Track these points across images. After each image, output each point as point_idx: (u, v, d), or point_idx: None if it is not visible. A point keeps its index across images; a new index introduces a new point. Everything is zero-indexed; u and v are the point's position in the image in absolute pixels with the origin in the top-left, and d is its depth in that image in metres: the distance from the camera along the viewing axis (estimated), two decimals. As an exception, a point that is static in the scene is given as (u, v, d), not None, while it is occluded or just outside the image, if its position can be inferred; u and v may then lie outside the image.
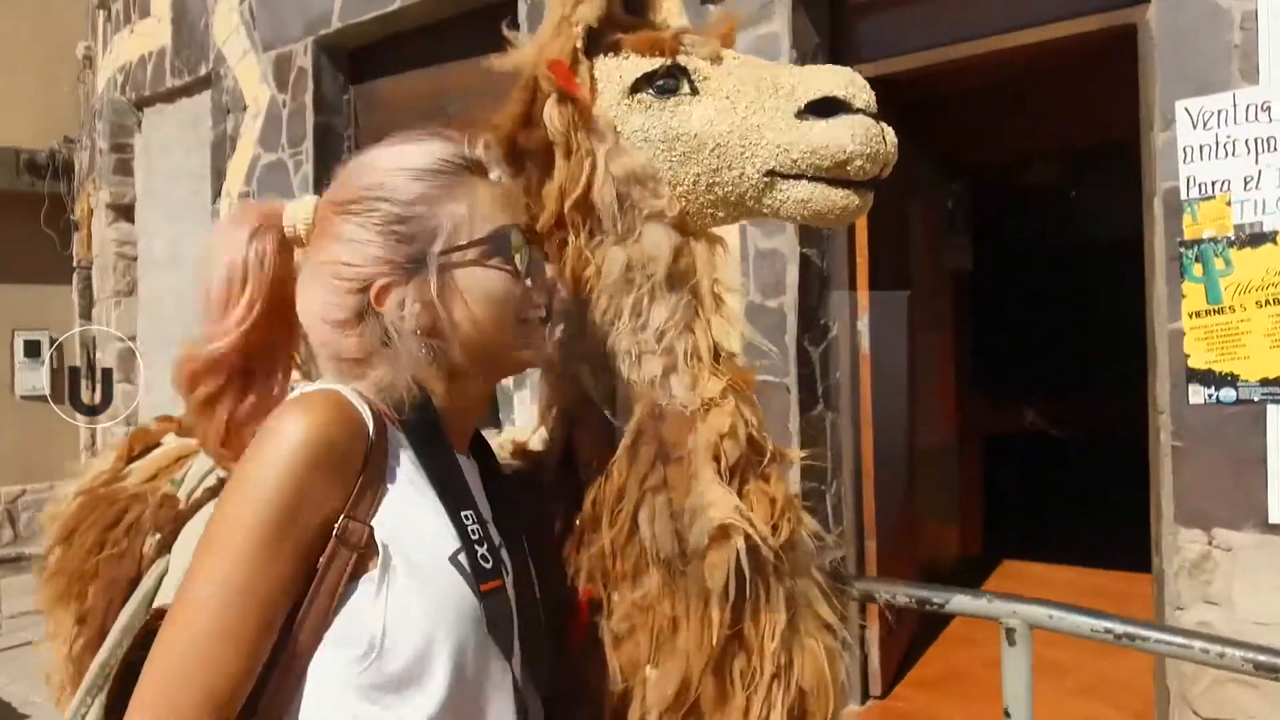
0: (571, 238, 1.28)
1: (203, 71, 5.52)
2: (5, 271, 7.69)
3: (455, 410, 0.99)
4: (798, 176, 1.21)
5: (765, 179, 1.23)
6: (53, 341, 7.93)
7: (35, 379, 7.85)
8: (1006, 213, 7.89)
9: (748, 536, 1.18)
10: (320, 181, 4.91)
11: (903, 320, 4.24)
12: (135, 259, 6.45)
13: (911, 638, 4.35)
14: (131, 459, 2.08)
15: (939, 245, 5.44)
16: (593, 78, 1.27)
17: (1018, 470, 7.83)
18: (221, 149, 5.41)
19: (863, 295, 3.71)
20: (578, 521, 1.26)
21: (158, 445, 2.08)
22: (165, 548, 1.71)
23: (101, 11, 6.70)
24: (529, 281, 0.99)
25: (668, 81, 1.25)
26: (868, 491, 3.76)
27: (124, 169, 6.37)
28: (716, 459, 1.24)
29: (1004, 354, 8.45)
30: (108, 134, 6.28)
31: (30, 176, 7.85)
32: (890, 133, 1.22)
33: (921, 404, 4.65)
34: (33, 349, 7.84)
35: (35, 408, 7.85)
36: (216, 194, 5.45)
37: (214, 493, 1.75)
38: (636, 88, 1.25)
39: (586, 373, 1.28)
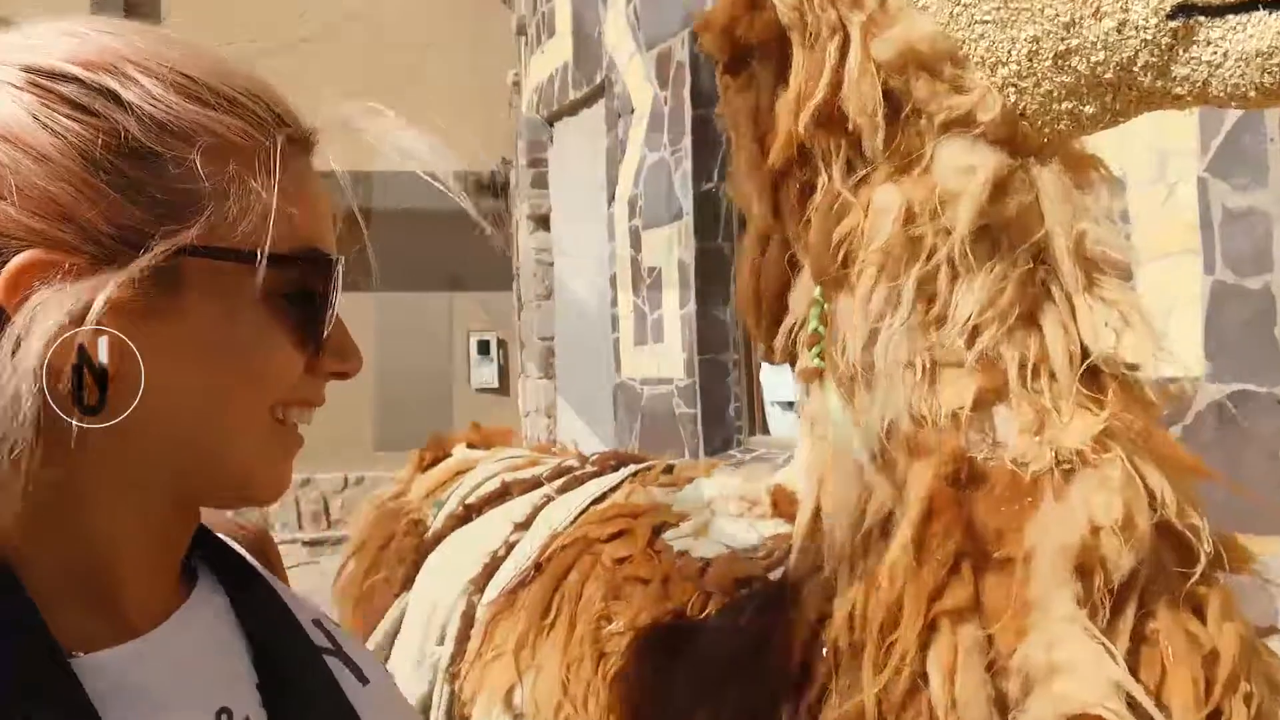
0: (821, 177, 0.78)
1: (597, 80, 5.64)
2: (459, 280, 8.66)
3: (106, 560, 0.51)
4: (1242, 5, 0.60)
5: (1171, 24, 0.63)
6: (499, 341, 8.87)
7: (487, 374, 8.84)
8: None
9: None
10: (699, 179, 4.70)
11: None
12: (551, 265, 6.84)
13: None
14: (425, 469, 1.91)
15: None
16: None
17: None
18: (614, 154, 5.46)
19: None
20: (824, 652, 0.75)
21: (448, 455, 1.89)
22: (406, 584, 1.48)
23: (521, 37, 7.21)
24: (320, 356, 0.55)
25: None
26: None
27: (540, 182, 6.79)
28: (1085, 571, 0.66)
29: None
30: (525, 150, 6.74)
31: (475, 196, 8.78)
32: None
33: None
34: (483, 347, 8.87)
35: (487, 399, 8.82)
36: (610, 199, 5.52)
37: (458, 520, 1.49)
38: (913, -100, 0.71)
39: (837, 399, 0.76)
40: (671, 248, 4.95)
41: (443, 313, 8.42)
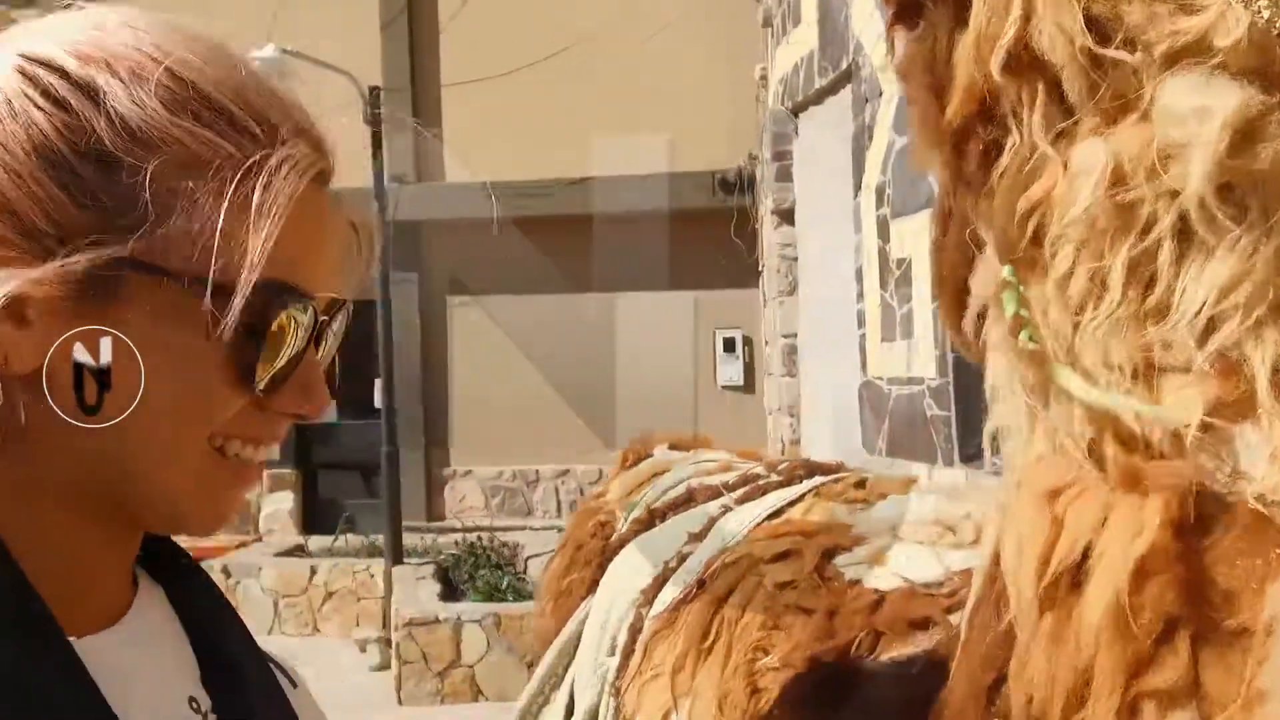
0: (1011, 136, 0.64)
1: (844, 66, 5.42)
2: (706, 278, 8.76)
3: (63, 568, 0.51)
4: None
5: None
6: (744, 339, 8.93)
7: (732, 371, 8.92)
8: None
9: None
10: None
11: None
12: (795, 260, 6.71)
13: None
14: (628, 468, 1.90)
15: None
16: None
17: None
18: (860, 141, 5.23)
19: None
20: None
21: (649, 456, 1.86)
22: (593, 587, 1.45)
23: (767, 29, 7.11)
24: (274, 395, 0.52)
25: None
26: None
27: (784, 175, 6.67)
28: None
29: None
30: (770, 144, 6.65)
31: (722, 193, 8.85)
32: None
33: None
34: (729, 345, 8.95)
35: (732, 396, 8.91)
36: (857, 188, 5.29)
37: (641, 525, 1.43)
38: None
39: (1033, 406, 0.62)
40: (923, 237, 4.67)
41: (689, 310, 8.51)
